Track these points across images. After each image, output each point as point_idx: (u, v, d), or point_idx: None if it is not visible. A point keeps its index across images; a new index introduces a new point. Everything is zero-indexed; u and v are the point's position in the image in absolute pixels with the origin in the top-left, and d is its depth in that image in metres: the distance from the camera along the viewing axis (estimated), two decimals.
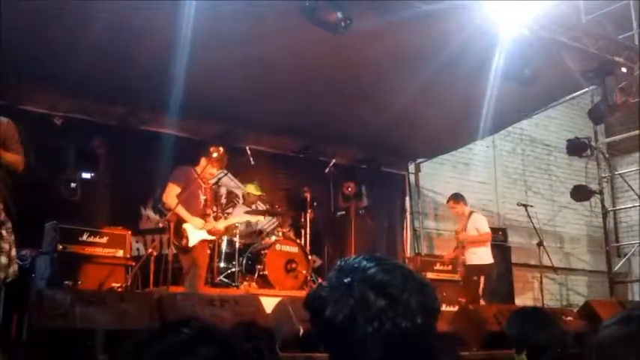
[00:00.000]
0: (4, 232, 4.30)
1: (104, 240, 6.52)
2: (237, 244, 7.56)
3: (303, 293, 6.78)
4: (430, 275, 8.63)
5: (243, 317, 4.39)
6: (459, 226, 8.39)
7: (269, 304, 5.33)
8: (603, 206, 12.64)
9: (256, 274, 7.46)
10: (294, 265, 7.60)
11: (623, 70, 7.41)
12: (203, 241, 6.54)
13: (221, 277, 7.45)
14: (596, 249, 12.82)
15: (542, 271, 8.84)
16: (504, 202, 11.65)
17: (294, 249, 7.80)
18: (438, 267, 8.88)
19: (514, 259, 10.30)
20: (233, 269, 7.47)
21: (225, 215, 7.91)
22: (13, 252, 4.39)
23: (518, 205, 9.00)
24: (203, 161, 6.64)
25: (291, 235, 8.39)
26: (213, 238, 6.78)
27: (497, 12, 6.32)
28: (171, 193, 6.43)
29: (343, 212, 9.31)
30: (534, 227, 8.45)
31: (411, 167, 10.68)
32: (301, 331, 4.72)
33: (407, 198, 10.60)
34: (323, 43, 6.27)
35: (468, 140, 10.13)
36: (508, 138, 12.09)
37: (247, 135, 8.60)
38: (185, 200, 6.34)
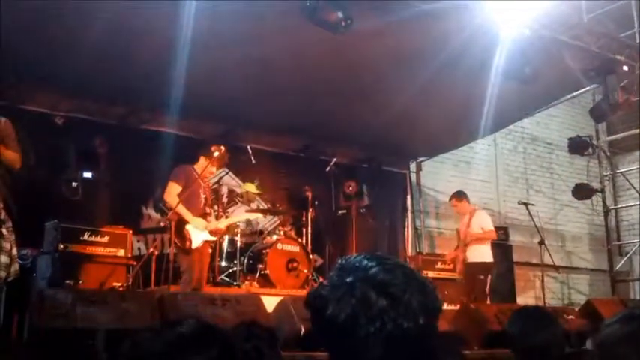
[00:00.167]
0: (4, 230, 4.31)
1: (105, 239, 6.53)
2: (238, 243, 7.57)
3: (304, 292, 6.77)
4: (431, 274, 8.64)
5: (245, 316, 4.39)
6: (461, 225, 8.37)
7: (270, 303, 5.34)
8: (605, 205, 12.65)
9: (257, 273, 7.47)
10: (295, 264, 7.60)
11: (625, 68, 7.40)
12: (205, 242, 6.54)
13: (222, 276, 7.46)
14: (598, 247, 12.82)
15: (544, 269, 8.82)
16: (506, 200, 11.65)
17: (296, 248, 7.80)
18: (439, 266, 8.89)
19: (515, 257, 10.31)
20: (234, 268, 7.47)
21: (227, 214, 7.91)
22: (14, 251, 4.40)
23: (519, 203, 8.98)
24: (202, 160, 6.62)
25: (293, 234, 8.39)
26: (214, 238, 6.77)
27: (497, 11, 6.31)
28: (173, 192, 6.42)
29: (344, 211, 9.32)
30: (536, 226, 8.44)
31: (412, 166, 10.68)
32: (302, 330, 4.72)
33: (408, 197, 10.60)
34: (323, 42, 6.26)
35: (469, 139, 10.12)
36: (509, 136, 12.08)
37: (248, 134, 8.61)
38: (186, 199, 6.34)
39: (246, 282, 7.39)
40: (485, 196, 11.36)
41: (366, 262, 1.27)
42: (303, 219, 8.57)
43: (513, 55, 6.74)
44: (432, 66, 6.71)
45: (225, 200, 8.43)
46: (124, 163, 7.76)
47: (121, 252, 6.59)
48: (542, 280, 8.77)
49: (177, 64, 6.10)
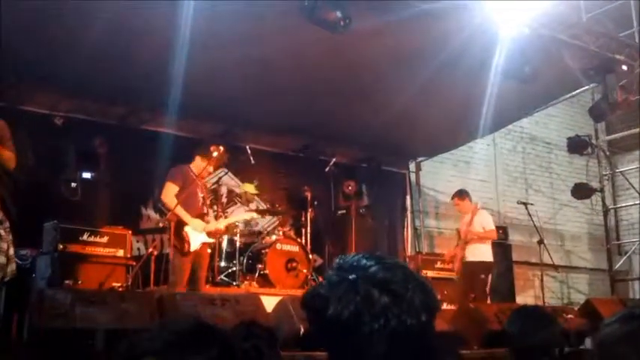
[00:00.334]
0: (2, 231, 4.31)
1: (105, 240, 6.53)
2: (237, 244, 7.57)
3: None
4: (431, 274, 8.64)
5: (244, 316, 4.39)
6: (462, 223, 8.36)
7: (270, 303, 5.34)
8: (604, 204, 12.65)
9: (257, 273, 7.46)
10: (294, 264, 7.60)
11: (624, 67, 7.41)
12: (203, 244, 6.52)
13: (222, 276, 7.46)
14: (597, 247, 12.82)
15: (543, 269, 8.83)
16: (505, 200, 11.65)
17: (295, 248, 7.80)
18: (438, 265, 8.89)
19: (515, 257, 10.31)
20: (234, 268, 7.47)
21: (226, 214, 7.90)
22: (11, 251, 4.40)
23: (518, 203, 8.99)
24: (198, 159, 6.59)
25: (292, 234, 8.39)
26: (213, 240, 6.73)
27: (497, 11, 6.31)
28: (170, 193, 6.40)
29: (344, 211, 9.31)
30: (535, 225, 8.45)
31: (412, 166, 10.68)
32: (302, 329, 4.72)
33: (407, 197, 10.60)
34: (322, 42, 6.26)
35: (468, 139, 10.12)
36: (508, 136, 12.09)
37: (247, 134, 8.60)
38: (183, 200, 6.32)
39: (246, 282, 7.39)
40: (484, 196, 11.34)
41: (364, 261, 1.27)
42: (303, 219, 8.57)
43: (513, 55, 6.74)
44: (432, 65, 6.71)
45: (224, 200, 8.43)
46: (124, 163, 7.75)
47: (121, 252, 6.59)
48: (542, 280, 8.78)
49: (177, 64, 6.10)
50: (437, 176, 11.00)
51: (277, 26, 6.08)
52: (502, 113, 8.39)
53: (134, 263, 6.69)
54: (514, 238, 10.63)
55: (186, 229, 6.30)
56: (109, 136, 7.57)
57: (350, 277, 1.24)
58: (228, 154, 6.88)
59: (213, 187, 7.92)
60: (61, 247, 6.15)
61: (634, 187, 11.95)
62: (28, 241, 6.10)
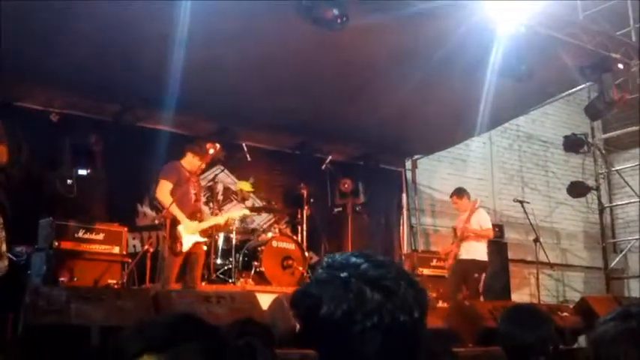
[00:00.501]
0: None
1: (100, 236, 6.52)
2: (233, 241, 7.56)
3: None
4: (427, 271, 8.65)
5: (240, 314, 4.39)
6: (459, 220, 8.35)
7: (265, 300, 5.33)
8: (600, 202, 12.69)
9: (253, 271, 7.46)
10: (290, 262, 7.60)
11: (620, 66, 7.41)
12: (198, 242, 6.50)
13: (217, 274, 7.45)
14: (593, 245, 12.84)
15: (539, 267, 8.85)
16: (501, 198, 11.65)
17: (291, 245, 7.80)
18: (434, 263, 8.89)
19: (510, 255, 10.32)
20: (229, 266, 7.47)
21: (222, 212, 7.89)
22: (4, 247, 4.40)
23: (514, 201, 9.00)
24: (189, 155, 6.59)
25: (288, 231, 8.39)
26: (205, 239, 6.72)
27: (494, 9, 6.32)
28: (165, 190, 6.39)
29: (340, 209, 9.30)
30: (531, 223, 8.46)
31: (408, 164, 10.68)
32: (297, 327, 4.70)
33: (404, 194, 10.60)
34: (319, 40, 6.26)
35: (464, 137, 10.13)
36: (505, 134, 12.09)
37: (243, 132, 8.59)
38: (178, 198, 6.31)
39: (242, 279, 7.39)
40: (480, 194, 11.33)
41: (354, 259, 1.27)
42: (299, 216, 8.57)
43: (509, 53, 6.75)
44: (428, 64, 6.71)
45: (220, 198, 8.42)
46: (120, 160, 7.71)
47: (116, 249, 6.58)
48: (537, 278, 8.80)
49: (173, 61, 6.09)
50: (433, 174, 11.01)
51: (274, 24, 6.07)
52: (498, 111, 8.39)
53: (130, 260, 6.68)
54: (510, 236, 10.65)
55: (180, 228, 6.30)
56: (104, 133, 7.54)
57: (341, 275, 1.24)
58: (224, 151, 6.87)
59: (209, 184, 7.91)
60: (57, 243, 6.14)
61: (630, 186, 11.98)
62: (24, 237, 6.09)
